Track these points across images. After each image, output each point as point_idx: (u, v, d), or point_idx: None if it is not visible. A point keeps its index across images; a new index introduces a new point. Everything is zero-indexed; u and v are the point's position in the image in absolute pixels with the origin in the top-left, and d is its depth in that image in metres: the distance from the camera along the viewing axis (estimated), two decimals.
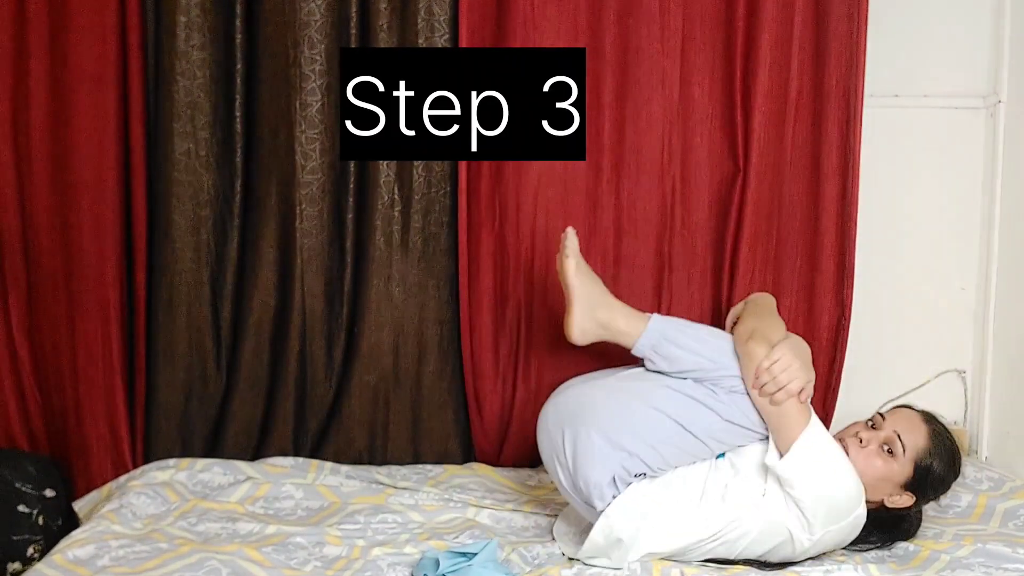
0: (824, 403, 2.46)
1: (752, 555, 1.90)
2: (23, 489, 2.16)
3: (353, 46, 2.29)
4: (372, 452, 2.41)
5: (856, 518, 1.87)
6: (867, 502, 1.89)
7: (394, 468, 2.36)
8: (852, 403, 2.53)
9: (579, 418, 1.91)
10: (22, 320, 2.32)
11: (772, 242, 2.40)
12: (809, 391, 1.87)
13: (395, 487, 2.23)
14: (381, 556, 1.89)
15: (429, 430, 2.42)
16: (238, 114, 2.31)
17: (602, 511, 1.87)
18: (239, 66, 2.29)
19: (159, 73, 2.29)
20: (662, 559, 1.88)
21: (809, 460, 1.83)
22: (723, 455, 1.94)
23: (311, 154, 2.31)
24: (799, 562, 1.90)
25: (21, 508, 2.13)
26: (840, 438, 1.95)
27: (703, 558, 1.90)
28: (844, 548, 1.94)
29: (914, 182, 2.55)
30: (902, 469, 1.92)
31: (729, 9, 2.32)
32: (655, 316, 1.98)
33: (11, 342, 2.32)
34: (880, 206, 2.51)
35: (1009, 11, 2.46)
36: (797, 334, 2.01)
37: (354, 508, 2.12)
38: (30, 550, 2.11)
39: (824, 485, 1.83)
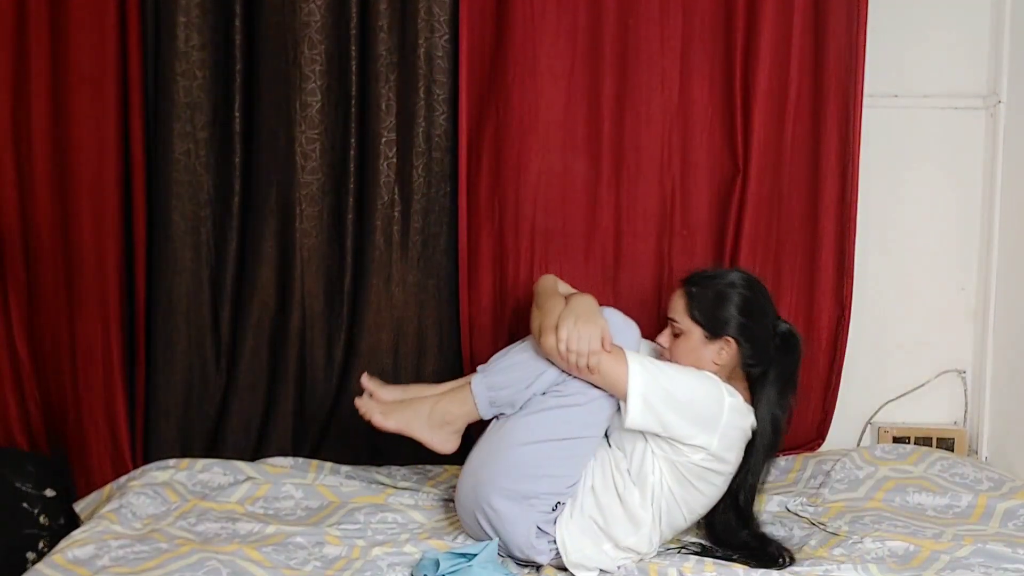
0: (824, 403, 2.46)
1: (700, 506, 1.94)
2: (23, 489, 2.16)
3: (353, 47, 2.29)
4: (372, 452, 2.41)
5: (731, 407, 1.89)
6: (735, 384, 1.94)
7: (394, 468, 2.36)
8: (852, 403, 2.54)
9: (477, 495, 1.92)
10: (22, 320, 2.33)
11: (772, 242, 2.40)
12: (608, 337, 1.87)
13: (395, 487, 2.23)
14: (381, 556, 1.89)
15: None
16: (238, 114, 2.31)
17: (556, 557, 1.89)
18: (239, 66, 2.30)
19: (159, 73, 2.29)
20: (655, 559, 1.91)
21: (646, 400, 1.85)
22: (610, 444, 1.96)
23: (311, 154, 2.31)
24: (799, 562, 1.90)
25: (25, 506, 2.13)
26: (659, 356, 2.00)
27: (675, 533, 1.95)
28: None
29: (914, 182, 2.55)
30: (692, 330, 1.96)
31: (729, 10, 2.33)
32: (473, 378, 1.99)
33: (11, 342, 2.32)
34: (880, 206, 2.51)
35: (1009, 11, 2.46)
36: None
37: (354, 508, 2.12)
38: (40, 544, 2.11)
39: (674, 407, 1.86)
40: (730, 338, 1.96)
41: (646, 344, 2.10)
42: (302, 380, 2.39)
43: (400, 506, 2.14)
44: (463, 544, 1.94)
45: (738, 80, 2.33)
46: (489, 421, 1.99)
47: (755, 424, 1.95)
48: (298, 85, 2.28)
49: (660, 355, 2.01)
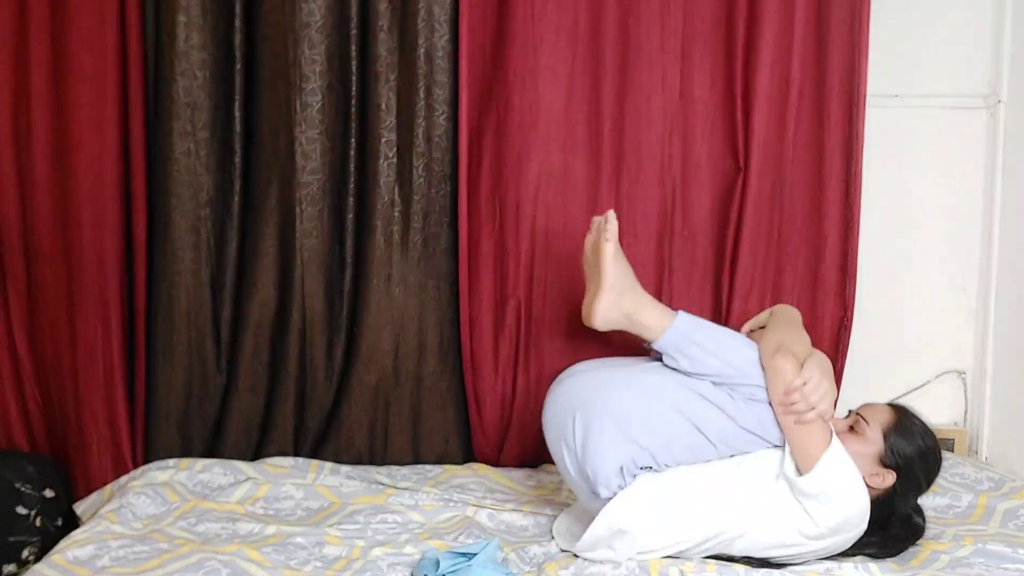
0: None
1: (749, 554, 1.90)
2: (23, 489, 2.16)
3: (353, 46, 2.29)
4: (372, 452, 2.41)
5: (859, 532, 1.89)
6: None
7: (394, 468, 2.36)
8: (853, 403, 2.53)
9: (592, 404, 1.90)
10: (23, 321, 2.33)
11: (773, 243, 2.39)
12: (832, 410, 1.88)
13: (395, 487, 2.23)
14: (381, 556, 1.89)
15: (429, 430, 2.42)
16: (238, 114, 2.31)
17: (607, 501, 1.87)
18: (239, 66, 2.30)
19: (159, 73, 2.29)
20: (661, 557, 1.89)
21: (832, 479, 1.84)
22: (733, 455, 1.94)
23: (311, 154, 2.31)
24: (798, 561, 1.90)
25: (19, 510, 2.13)
26: None
27: (703, 555, 1.91)
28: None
29: (915, 182, 2.55)
30: (872, 442, 1.92)
31: (730, 10, 2.32)
32: (681, 314, 1.97)
33: (11, 342, 2.32)
34: (880, 206, 2.51)
35: (1009, 11, 2.46)
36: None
37: (354, 508, 2.12)
38: (25, 552, 2.11)
39: (842, 502, 1.85)
40: (894, 472, 1.93)
41: None
42: (302, 380, 2.39)
43: (400, 506, 2.13)
44: (463, 544, 1.94)
45: (739, 80, 2.33)
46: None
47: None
48: (298, 85, 2.28)
49: None
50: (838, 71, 2.34)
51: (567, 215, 2.36)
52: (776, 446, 1.90)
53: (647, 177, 2.36)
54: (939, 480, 2.25)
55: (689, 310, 2.37)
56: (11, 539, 2.09)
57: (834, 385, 1.89)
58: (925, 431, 1.98)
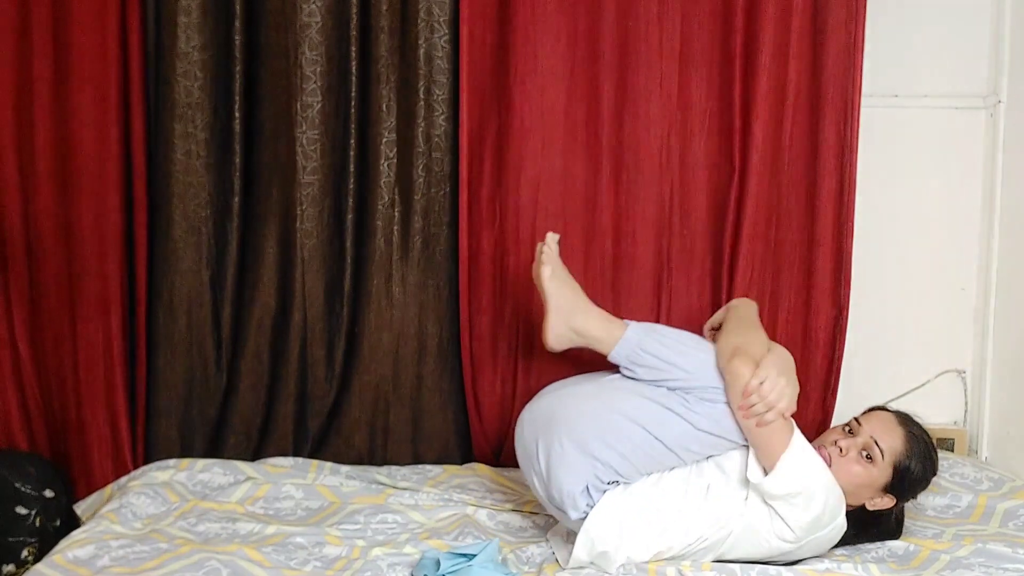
0: (823, 403, 2.46)
1: (732, 557, 1.90)
2: (23, 489, 2.16)
3: (353, 47, 2.29)
4: (372, 452, 2.41)
5: (836, 527, 1.88)
6: (849, 506, 1.91)
7: (394, 468, 2.36)
8: (852, 403, 2.52)
9: (551, 427, 1.91)
10: (24, 321, 2.33)
11: (770, 243, 2.40)
12: (793, 406, 1.86)
13: (395, 487, 2.23)
14: (381, 556, 1.89)
15: (429, 430, 2.42)
16: (238, 115, 2.31)
17: (582, 525, 1.87)
18: (239, 67, 2.30)
19: (160, 74, 2.30)
20: (656, 561, 1.89)
21: (794, 477, 1.82)
22: (709, 456, 1.94)
23: (311, 155, 2.32)
24: (798, 561, 1.90)
25: (19, 510, 2.13)
26: (819, 446, 1.95)
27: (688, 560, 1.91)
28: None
29: (915, 182, 2.55)
30: (881, 473, 1.93)
31: (727, 11, 2.33)
32: (632, 325, 1.98)
33: (13, 342, 2.32)
34: (880, 206, 2.51)
35: (1009, 11, 2.46)
36: (790, 338, 2.00)
37: (354, 508, 2.12)
38: (24, 552, 2.11)
39: (808, 500, 1.83)
40: (894, 498, 1.95)
41: None
42: (303, 380, 2.39)
43: (400, 506, 2.14)
44: (463, 544, 1.94)
45: (737, 81, 2.33)
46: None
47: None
48: (299, 86, 2.29)
49: (818, 448, 1.93)
50: (834, 73, 2.35)
51: (566, 216, 2.37)
52: (742, 445, 1.89)
53: (646, 178, 2.37)
54: (939, 480, 2.26)
55: (688, 310, 2.40)
56: (10, 539, 2.09)
57: (794, 380, 1.87)
58: (931, 454, 1.97)
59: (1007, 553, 1.92)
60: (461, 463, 2.42)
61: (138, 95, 2.28)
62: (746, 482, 1.86)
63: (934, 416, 2.58)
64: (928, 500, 2.21)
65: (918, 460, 1.94)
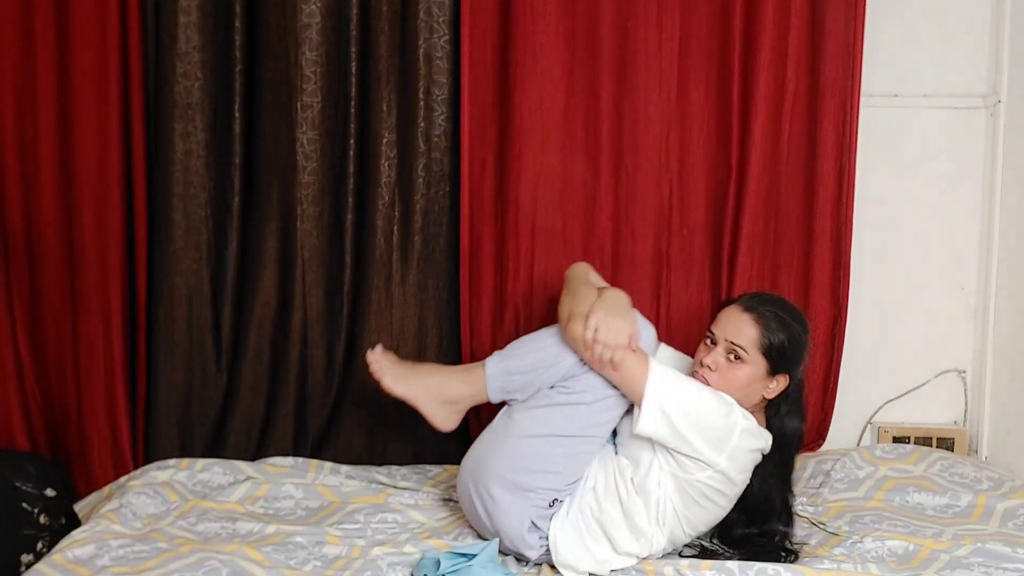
0: (823, 403, 2.46)
1: (702, 523, 1.92)
2: (24, 488, 2.16)
3: (353, 48, 2.29)
4: (372, 452, 2.41)
5: (744, 430, 1.87)
6: (753, 407, 1.93)
7: (394, 468, 2.36)
8: (852, 403, 2.54)
9: (477, 481, 1.93)
10: (25, 321, 2.33)
11: (769, 242, 2.40)
12: (636, 336, 1.87)
13: (395, 487, 2.23)
14: (381, 556, 1.89)
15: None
16: (238, 115, 2.32)
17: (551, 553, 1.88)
18: (239, 67, 2.30)
19: (160, 74, 2.30)
20: (655, 561, 1.90)
21: (661, 408, 1.83)
22: (617, 451, 1.95)
23: (311, 155, 2.32)
24: (798, 560, 1.91)
25: (24, 506, 2.13)
26: (694, 372, 1.96)
27: (675, 547, 1.94)
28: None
29: (915, 182, 2.55)
30: (756, 366, 1.92)
31: (726, 11, 2.33)
32: (488, 361, 1.99)
33: (14, 342, 2.33)
34: (880, 206, 2.51)
35: (1009, 11, 2.46)
36: None
37: (354, 507, 2.12)
38: (39, 544, 2.11)
39: (687, 420, 1.84)
40: (788, 376, 1.95)
41: (667, 349, 2.10)
42: (303, 380, 2.39)
43: (400, 506, 2.14)
44: (463, 544, 1.94)
45: (735, 81, 2.34)
46: (498, 408, 1.99)
47: (768, 448, 1.94)
48: (298, 86, 2.29)
49: (694, 372, 1.97)
50: (833, 73, 2.35)
51: (566, 215, 2.37)
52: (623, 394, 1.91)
53: (645, 177, 2.37)
54: (939, 479, 2.27)
55: (688, 309, 2.41)
56: (25, 532, 2.09)
57: (626, 315, 1.87)
58: (784, 316, 1.95)
59: (1007, 553, 1.92)
60: (460, 463, 2.41)
61: (138, 96, 2.28)
62: (651, 451, 1.88)
63: (934, 416, 2.59)
64: (928, 499, 2.21)
65: (779, 331, 1.93)
